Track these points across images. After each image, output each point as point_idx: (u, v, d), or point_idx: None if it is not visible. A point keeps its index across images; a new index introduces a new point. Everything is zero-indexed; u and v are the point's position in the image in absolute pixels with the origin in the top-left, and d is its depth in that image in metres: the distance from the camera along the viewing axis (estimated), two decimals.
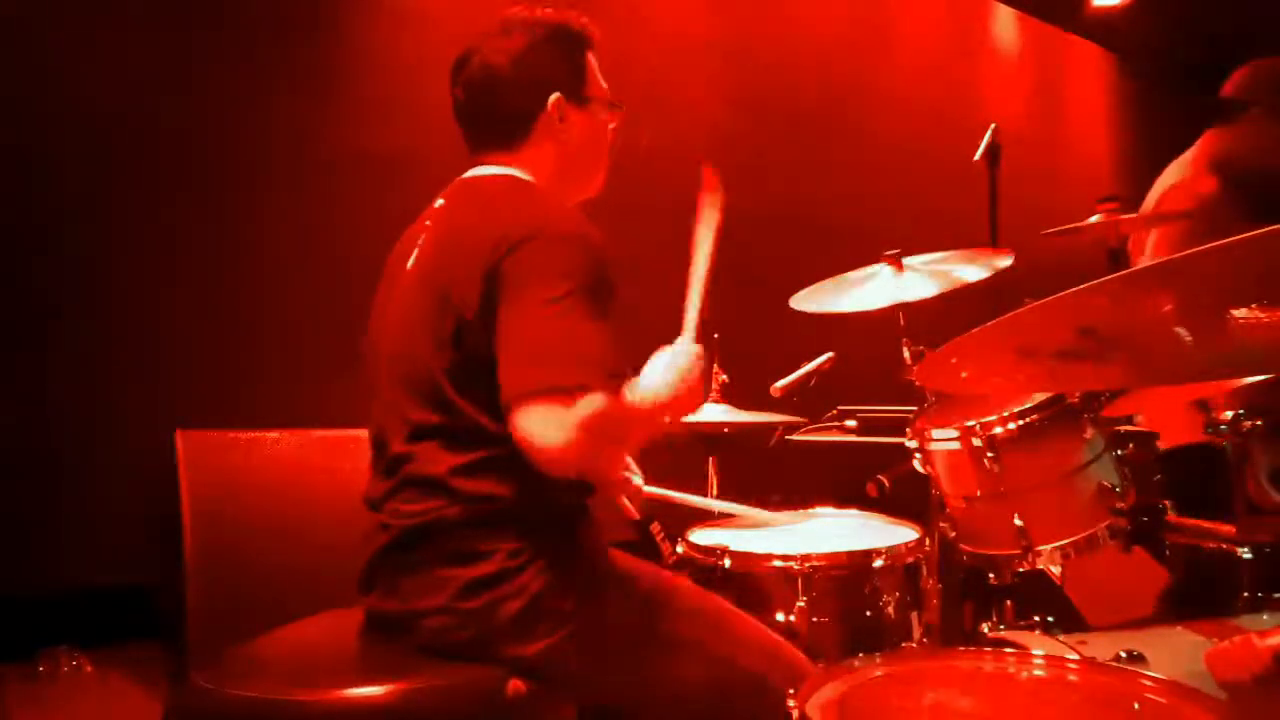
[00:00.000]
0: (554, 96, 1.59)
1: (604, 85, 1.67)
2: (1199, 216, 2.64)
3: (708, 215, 1.68)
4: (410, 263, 1.56)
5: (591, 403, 1.29)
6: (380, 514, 1.49)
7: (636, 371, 1.46)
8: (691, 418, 2.29)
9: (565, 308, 1.34)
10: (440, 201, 1.62)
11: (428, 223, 1.60)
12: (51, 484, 2.50)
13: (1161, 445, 2.43)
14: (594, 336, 1.34)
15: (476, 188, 1.60)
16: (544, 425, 1.29)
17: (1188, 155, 2.88)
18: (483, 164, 1.63)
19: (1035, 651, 1.28)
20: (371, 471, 1.56)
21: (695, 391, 1.52)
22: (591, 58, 1.66)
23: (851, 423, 2.85)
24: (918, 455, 1.99)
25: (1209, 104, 2.86)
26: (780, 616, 1.76)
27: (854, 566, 1.82)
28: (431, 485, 1.43)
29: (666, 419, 1.49)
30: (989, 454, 1.81)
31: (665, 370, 1.47)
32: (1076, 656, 1.37)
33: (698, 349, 1.54)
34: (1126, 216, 2.11)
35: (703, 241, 1.66)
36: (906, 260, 2.18)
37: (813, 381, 2.52)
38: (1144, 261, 2.71)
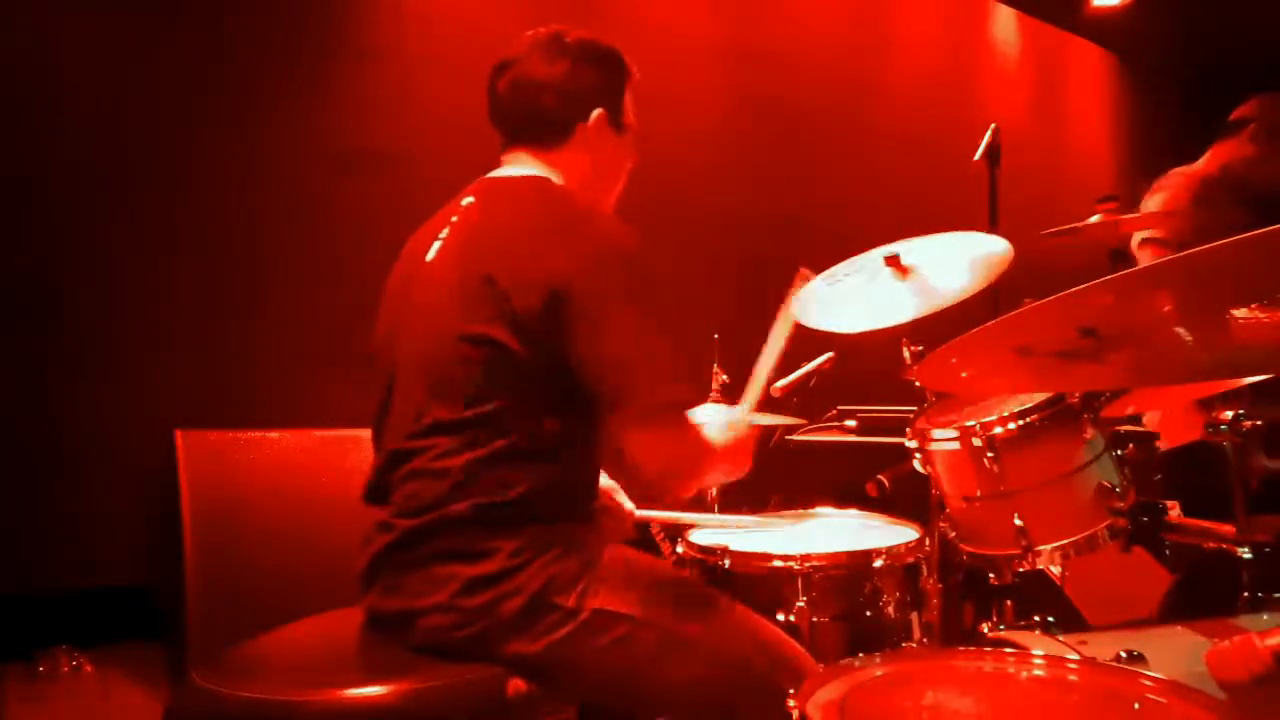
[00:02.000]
0: (598, 111, 1.63)
1: (635, 123, 1.73)
2: (1196, 197, 2.79)
3: (790, 307, 1.83)
4: (431, 256, 1.56)
5: (688, 418, 1.48)
6: (383, 511, 1.49)
7: None
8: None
9: (653, 326, 1.44)
10: (469, 199, 1.61)
11: (454, 219, 1.59)
12: (51, 484, 2.50)
13: (1162, 445, 2.44)
14: (676, 352, 1.46)
15: (512, 188, 1.61)
16: (655, 442, 1.46)
17: (1188, 168, 3.05)
18: (511, 163, 1.64)
19: (1035, 651, 1.28)
20: (374, 467, 1.56)
21: (746, 453, 1.65)
22: (630, 95, 1.71)
23: (851, 423, 2.85)
24: (918, 455, 1.99)
25: (1209, 112, 3.04)
26: (780, 616, 1.76)
27: (854, 566, 1.82)
28: (437, 480, 1.43)
29: (727, 468, 1.63)
30: (989, 454, 1.81)
31: (724, 425, 1.61)
32: (1076, 656, 1.37)
33: (753, 419, 1.69)
34: (1127, 216, 2.11)
35: (780, 331, 1.81)
36: (906, 261, 2.17)
37: (813, 381, 2.52)
38: (1137, 247, 2.78)
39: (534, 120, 1.63)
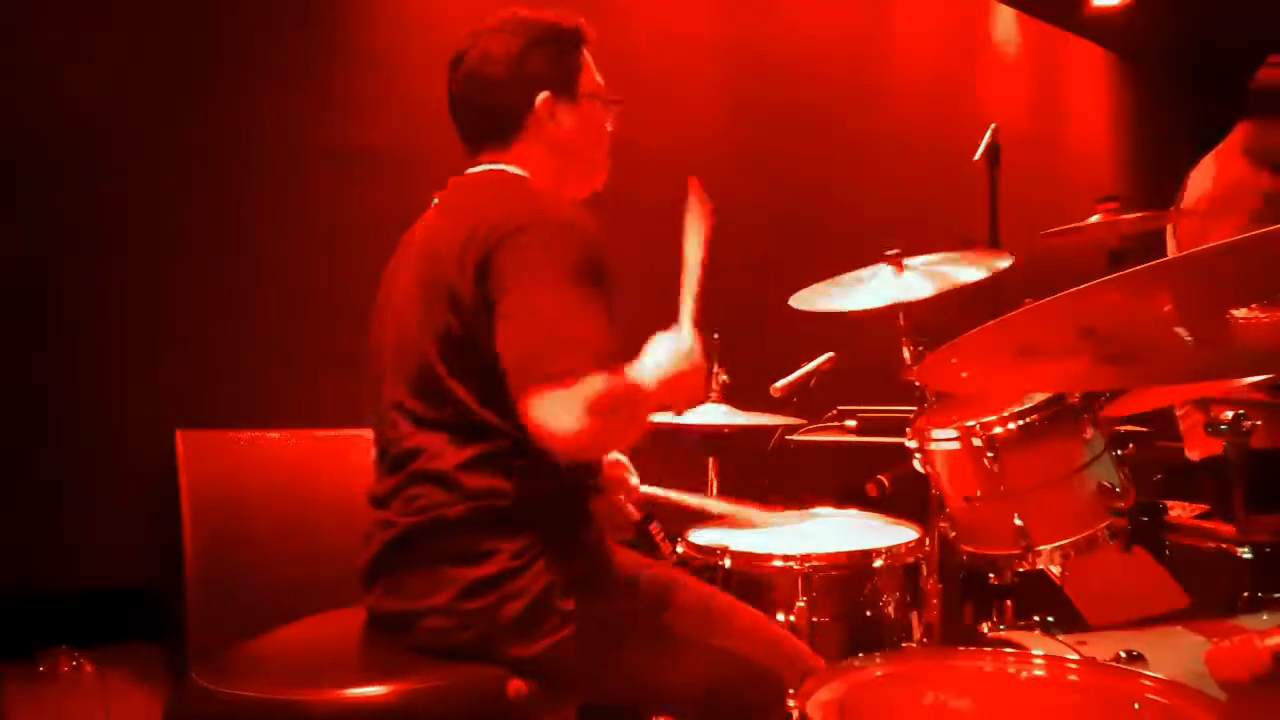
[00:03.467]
0: (542, 96, 1.59)
1: (600, 81, 1.67)
2: (1268, 209, 2.64)
3: (694, 218, 1.68)
4: (407, 260, 1.58)
5: (594, 384, 1.29)
6: (385, 512, 1.49)
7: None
8: (691, 418, 2.29)
9: (561, 295, 1.35)
10: (436, 200, 1.63)
11: (425, 221, 1.61)
12: (51, 484, 2.50)
13: (1193, 456, 2.44)
14: (591, 320, 1.35)
15: (470, 185, 1.61)
16: (553, 412, 1.29)
17: (1223, 148, 2.84)
18: (478, 162, 1.64)
19: (1035, 651, 1.28)
20: (376, 469, 1.57)
21: (700, 370, 1.52)
22: (587, 54, 1.66)
23: (851, 423, 2.85)
24: (918, 455, 1.99)
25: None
26: (780, 616, 1.77)
27: (854, 566, 1.82)
28: (436, 481, 1.43)
29: (677, 394, 1.50)
30: (989, 454, 1.81)
31: (668, 351, 1.48)
32: (1076, 656, 1.37)
33: (695, 337, 1.54)
34: (1128, 216, 2.11)
35: (692, 237, 1.65)
36: (906, 261, 2.18)
37: (813, 381, 2.52)
38: (1171, 253, 2.71)
39: (485, 122, 1.61)
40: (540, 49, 1.60)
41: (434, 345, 1.44)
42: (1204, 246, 0.89)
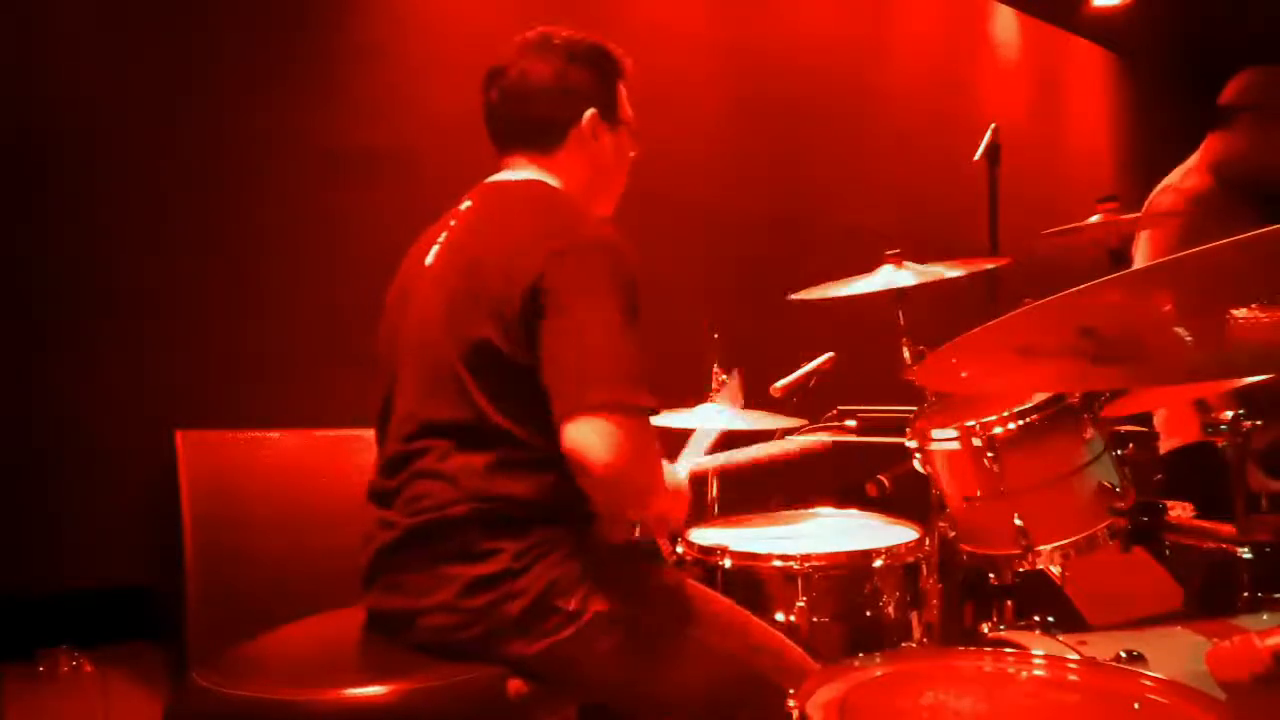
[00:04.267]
0: (590, 111, 1.62)
1: (631, 114, 1.72)
2: (1189, 215, 2.67)
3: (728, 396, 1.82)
4: (430, 260, 1.57)
5: (645, 423, 1.38)
6: (387, 511, 1.49)
7: None
8: (692, 418, 2.29)
9: (613, 323, 1.39)
10: (467, 203, 1.63)
11: (452, 223, 1.60)
12: (51, 484, 2.50)
13: (1163, 446, 2.44)
14: (639, 354, 1.39)
15: (507, 191, 1.61)
16: (592, 440, 1.34)
17: (1190, 161, 2.91)
18: (511, 167, 1.64)
19: (1035, 651, 1.28)
20: (378, 467, 1.57)
21: (681, 508, 1.66)
22: (623, 87, 1.70)
23: (851, 423, 2.85)
24: (918, 455, 1.99)
25: (1209, 112, 2.90)
26: (780, 616, 1.77)
27: (854, 566, 1.82)
28: (441, 482, 1.43)
29: (668, 508, 1.62)
30: (989, 454, 1.81)
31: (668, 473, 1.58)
32: (1076, 656, 1.37)
33: (684, 480, 1.70)
34: (1126, 216, 2.11)
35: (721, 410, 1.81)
36: (907, 262, 2.18)
37: (813, 381, 2.52)
38: (1137, 263, 2.72)
39: (528, 127, 1.63)
40: (590, 67, 1.64)
41: (460, 349, 1.44)
42: (1204, 247, 0.89)
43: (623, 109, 1.70)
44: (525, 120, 1.63)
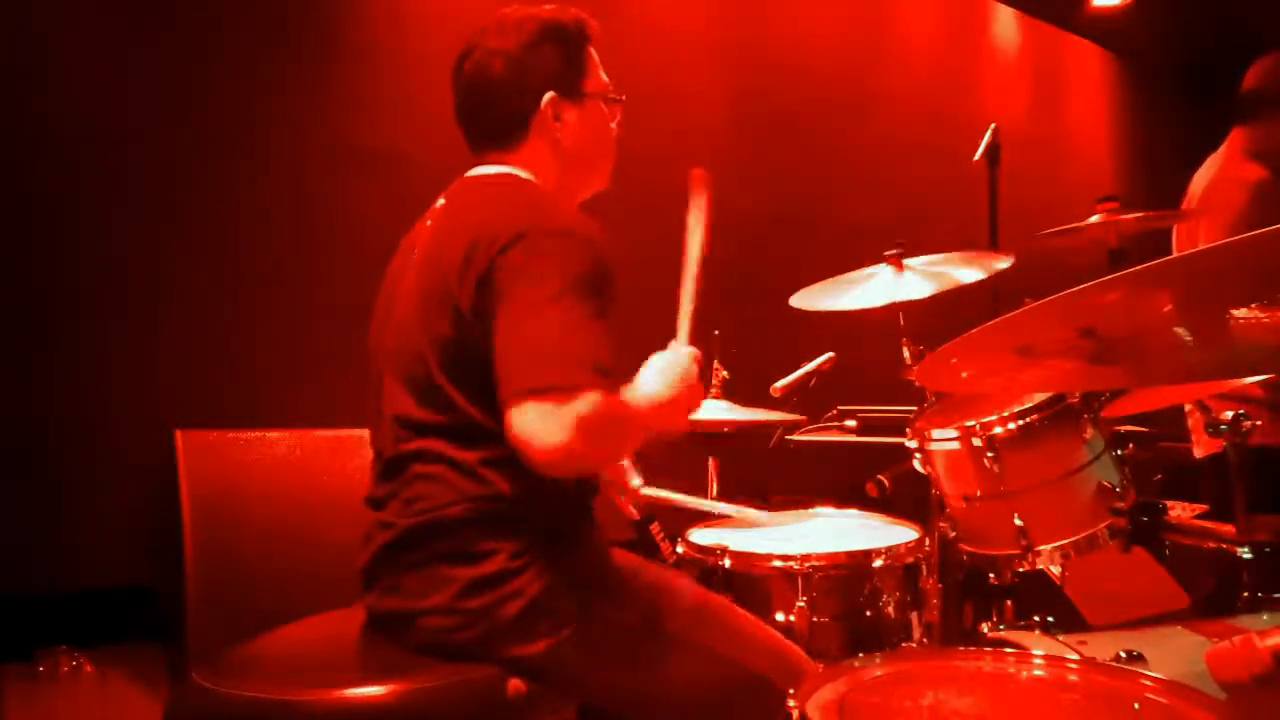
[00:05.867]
0: (548, 96, 1.58)
1: (605, 79, 1.66)
2: (1253, 203, 2.66)
3: (696, 218, 1.67)
4: (410, 262, 1.57)
5: (587, 401, 1.28)
6: (382, 513, 1.49)
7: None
8: (691, 417, 2.28)
9: (560, 306, 1.33)
10: (441, 201, 1.62)
11: (429, 223, 1.60)
12: (51, 484, 2.50)
13: (1198, 453, 2.43)
14: (589, 334, 1.33)
15: (474, 187, 1.60)
16: (539, 424, 1.28)
17: (1222, 151, 2.87)
18: (484, 164, 1.63)
19: (1035, 651, 1.28)
20: (373, 471, 1.56)
21: (695, 390, 1.55)
22: (591, 52, 1.64)
23: (851, 423, 2.85)
24: (918, 455, 1.99)
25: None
26: (780, 616, 1.76)
27: (854, 566, 1.82)
28: (436, 483, 1.43)
29: (670, 419, 1.51)
30: (989, 454, 1.81)
31: (663, 371, 1.49)
32: (1076, 656, 1.37)
33: (693, 350, 1.56)
34: (1128, 216, 2.11)
35: (693, 245, 1.66)
36: (906, 261, 2.18)
37: (813, 381, 2.52)
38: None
39: (490, 126, 1.61)
40: (544, 48, 1.59)
41: (433, 350, 1.43)
42: (1203, 247, 0.89)
43: (590, 79, 1.63)
44: (486, 120, 1.61)
